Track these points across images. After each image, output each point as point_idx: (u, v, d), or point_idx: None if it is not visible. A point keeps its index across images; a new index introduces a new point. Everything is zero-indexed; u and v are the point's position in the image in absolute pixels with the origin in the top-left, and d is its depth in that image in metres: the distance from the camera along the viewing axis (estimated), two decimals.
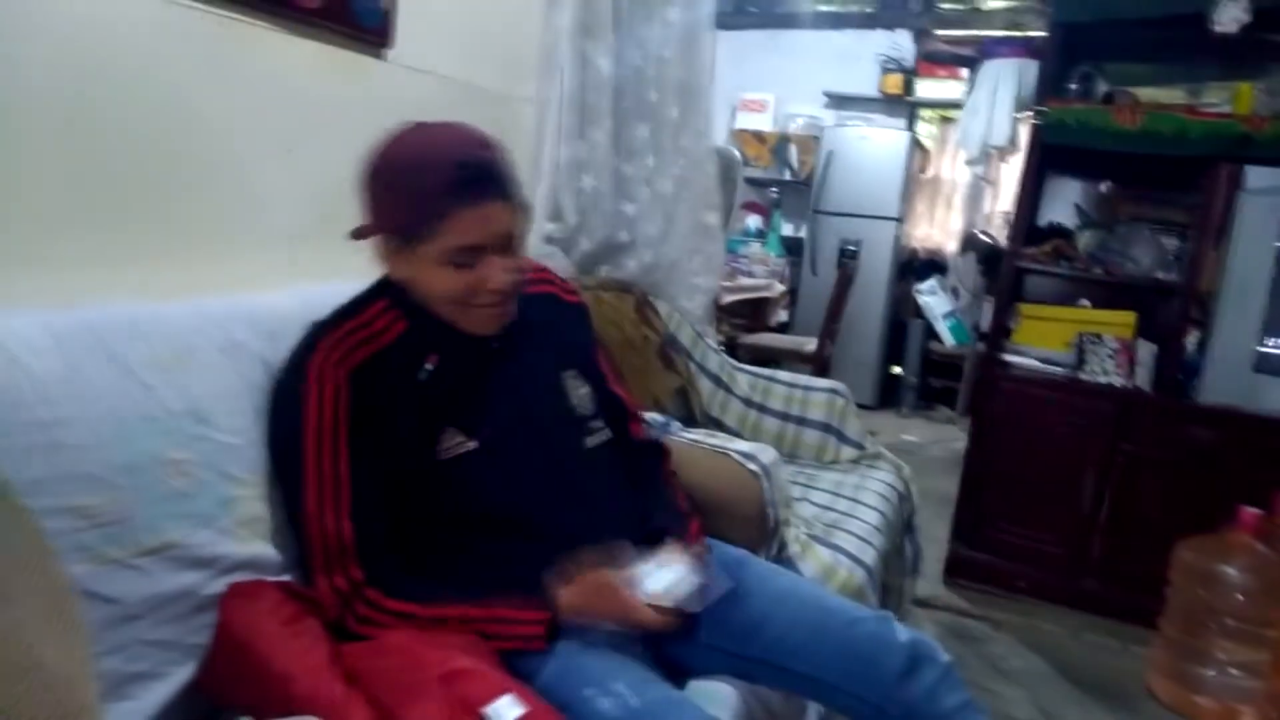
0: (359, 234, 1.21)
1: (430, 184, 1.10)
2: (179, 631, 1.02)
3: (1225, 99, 2.76)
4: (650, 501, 1.35)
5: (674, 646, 1.22)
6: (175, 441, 1.07)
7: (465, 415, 1.19)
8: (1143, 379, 2.72)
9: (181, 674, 1.02)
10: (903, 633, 1.19)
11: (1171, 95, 3.13)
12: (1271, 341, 2.53)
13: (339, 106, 1.55)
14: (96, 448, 0.98)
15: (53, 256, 1.17)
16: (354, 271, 1.27)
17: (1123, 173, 3.01)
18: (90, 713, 0.77)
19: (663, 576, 1.15)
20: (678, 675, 1.23)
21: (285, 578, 1.14)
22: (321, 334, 1.17)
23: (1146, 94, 2.92)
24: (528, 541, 1.18)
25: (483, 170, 1.13)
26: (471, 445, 1.18)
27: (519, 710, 0.95)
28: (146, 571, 1.00)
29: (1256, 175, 2.61)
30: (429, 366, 1.19)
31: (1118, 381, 2.72)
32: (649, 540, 1.28)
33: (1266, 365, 2.53)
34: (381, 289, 1.23)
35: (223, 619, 1.02)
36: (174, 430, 1.07)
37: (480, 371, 1.23)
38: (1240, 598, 2.13)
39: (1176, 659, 2.26)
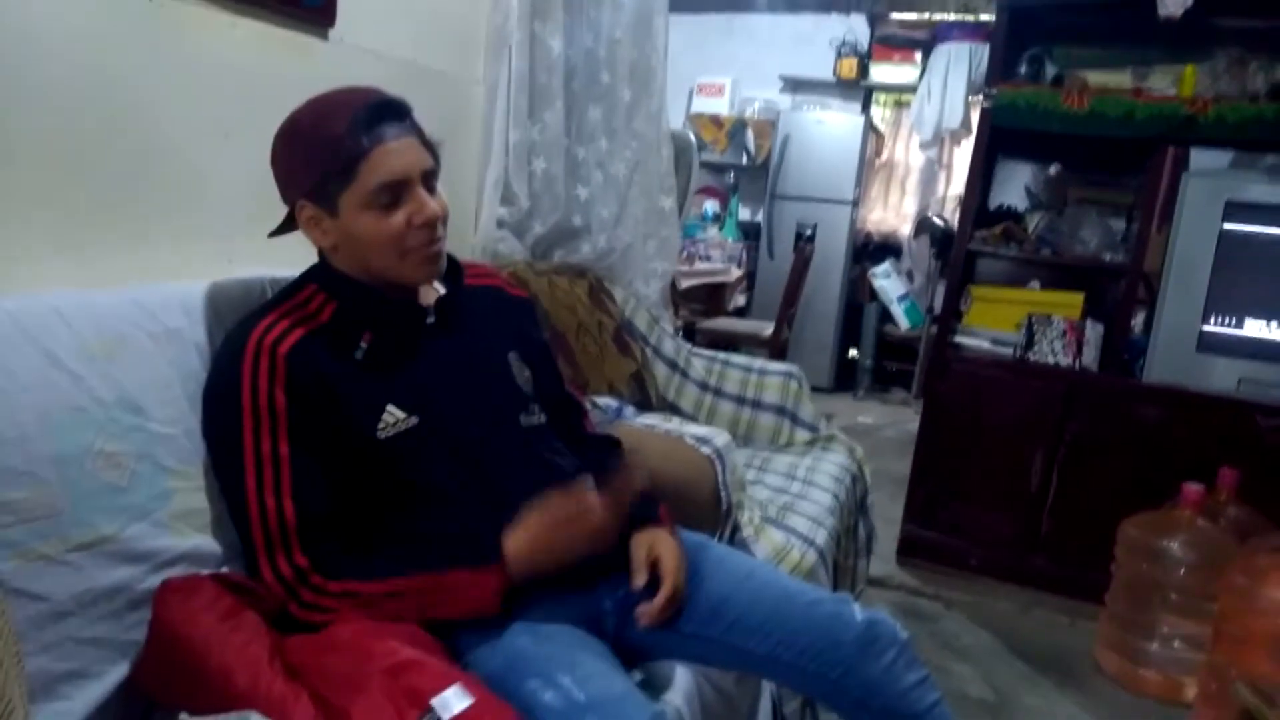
0: (282, 226, 1.21)
1: (336, 130, 1.10)
2: (113, 629, 0.99)
3: (1171, 81, 2.81)
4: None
5: (635, 631, 1.22)
6: (107, 433, 1.04)
7: (405, 392, 1.17)
8: (1090, 359, 2.77)
9: (116, 672, 0.99)
10: (861, 612, 1.21)
11: (1120, 78, 3.17)
12: (1214, 320, 2.58)
13: (280, 88, 1.49)
14: (21, 441, 0.95)
15: None
16: (292, 258, 1.25)
17: (1072, 156, 3.05)
18: (16, 713, 0.74)
19: None
20: (634, 658, 1.23)
21: (225, 569, 1.11)
22: (256, 317, 1.16)
23: (1095, 77, 2.96)
24: (473, 516, 1.17)
25: (385, 108, 1.14)
26: (412, 421, 1.16)
27: (466, 701, 0.94)
28: (78, 567, 0.97)
29: (1200, 157, 2.66)
30: (364, 345, 1.18)
31: (1065, 362, 2.76)
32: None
33: (1209, 344, 2.59)
34: (310, 275, 1.22)
35: (157, 614, 1.00)
36: (105, 421, 1.04)
37: (418, 348, 1.22)
38: (1183, 572, 2.19)
39: (1122, 633, 2.32)
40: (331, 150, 1.11)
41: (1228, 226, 2.54)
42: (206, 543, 1.11)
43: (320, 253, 1.22)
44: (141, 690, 1.00)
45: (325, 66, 1.60)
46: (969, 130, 5.29)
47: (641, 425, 1.72)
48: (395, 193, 1.13)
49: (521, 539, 1.11)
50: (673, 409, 2.40)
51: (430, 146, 1.19)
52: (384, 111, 1.14)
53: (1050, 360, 2.78)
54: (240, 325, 1.16)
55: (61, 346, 1.03)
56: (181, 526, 1.10)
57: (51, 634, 0.94)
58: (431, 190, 1.18)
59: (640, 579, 1.21)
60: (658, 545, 1.24)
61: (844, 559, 2.16)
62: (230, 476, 1.12)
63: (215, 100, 1.42)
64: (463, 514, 1.17)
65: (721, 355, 2.60)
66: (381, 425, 1.15)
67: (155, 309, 1.17)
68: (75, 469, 0.99)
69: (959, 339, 2.94)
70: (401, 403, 1.16)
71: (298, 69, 1.54)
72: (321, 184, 1.13)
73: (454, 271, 1.28)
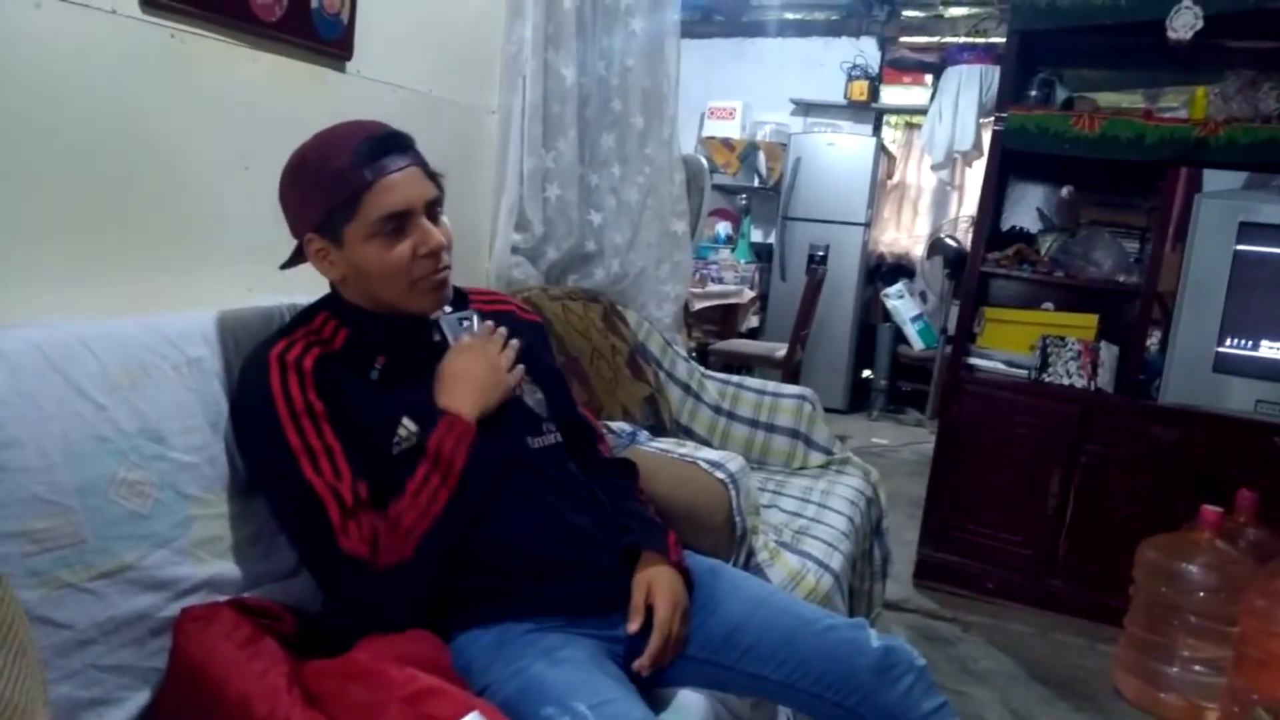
0: (291, 259, 1.23)
1: (340, 164, 1.13)
2: (135, 656, 1.01)
3: (1183, 103, 2.81)
4: (624, 517, 1.34)
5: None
6: (129, 462, 1.05)
7: (419, 410, 1.19)
8: (1105, 380, 2.76)
9: (138, 699, 1.00)
10: (877, 638, 1.20)
11: (1131, 100, 3.18)
12: (1230, 342, 2.57)
13: (298, 120, 1.51)
14: (46, 470, 0.96)
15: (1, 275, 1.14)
16: (310, 286, 1.27)
17: (1084, 177, 3.05)
18: None
19: None
20: (650, 684, 1.22)
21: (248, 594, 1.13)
22: (272, 341, 1.17)
23: (1106, 99, 2.97)
24: (482, 532, 1.18)
25: (388, 141, 1.16)
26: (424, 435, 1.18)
27: None
28: (101, 595, 0.98)
29: (1214, 178, 2.66)
30: (378, 366, 1.20)
31: (1080, 383, 2.75)
32: (625, 555, 1.28)
33: (1225, 365, 2.57)
34: (322, 304, 1.25)
35: (177, 643, 1.01)
36: (127, 450, 1.05)
37: (430, 369, 1.24)
38: (1202, 595, 2.16)
39: (1142, 657, 2.29)
40: (336, 184, 1.13)
41: (1242, 247, 2.53)
42: (227, 569, 1.13)
43: (331, 284, 1.24)
44: (163, 718, 1.01)
45: (343, 98, 1.62)
46: (980, 151, 5.30)
47: (655, 450, 1.73)
48: (399, 223, 1.15)
49: (446, 392, 1.20)
50: (686, 433, 2.41)
51: (434, 176, 1.21)
52: (386, 144, 1.16)
53: (1065, 382, 2.77)
54: (256, 349, 1.18)
55: (86, 376, 1.04)
56: (202, 554, 1.11)
57: (75, 662, 0.95)
58: (436, 220, 1.20)
59: (634, 624, 1.20)
60: (655, 588, 1.22)
61: (860, 583, 2.15)
62: (282, 478, 1.11)
63: (235, 132, 1.45)
64: (473, 529, 1.18)
65: (735, 379, 2.60)
66: (396, 440, 1.16)
67: (177, 339, 1.19)
68: (98, 497, 1.01)
69: (973, 361, 2.94)
70: (416, 417, 1.18)
71: (316, 100, 1.57)
72: (327, 217, 1.15)
73: (459, 301, 1.32)
